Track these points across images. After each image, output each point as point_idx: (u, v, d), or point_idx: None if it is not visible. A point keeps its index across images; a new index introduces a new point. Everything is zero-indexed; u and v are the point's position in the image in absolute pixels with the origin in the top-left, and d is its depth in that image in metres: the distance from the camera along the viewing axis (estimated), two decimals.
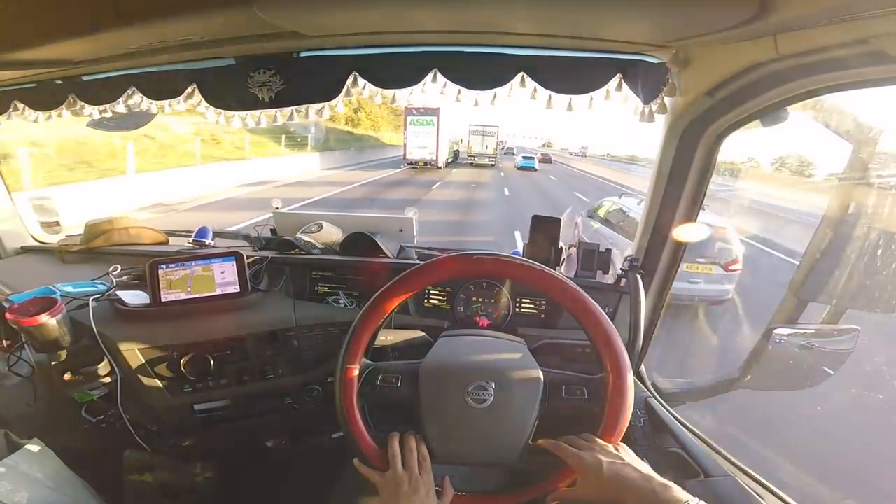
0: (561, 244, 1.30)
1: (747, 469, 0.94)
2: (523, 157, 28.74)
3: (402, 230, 1.54)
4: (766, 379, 1.10)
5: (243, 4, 0.72)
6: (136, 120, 1.35)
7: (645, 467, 0.68)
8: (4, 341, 1.18)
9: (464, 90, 1.09)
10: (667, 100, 0.98)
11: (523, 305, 1.29)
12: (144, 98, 1.13)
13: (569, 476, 0.74)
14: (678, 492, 0.62)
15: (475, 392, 0.75)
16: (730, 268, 4.34)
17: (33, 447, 1.14)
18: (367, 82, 1.07)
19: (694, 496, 0.70)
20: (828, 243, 0.86)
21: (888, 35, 0.56)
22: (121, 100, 1.15)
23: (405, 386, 0.79)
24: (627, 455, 0.71)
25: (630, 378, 0.74)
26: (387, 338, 1.02)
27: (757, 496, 0.81)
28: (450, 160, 26.34)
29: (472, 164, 27.11)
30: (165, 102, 1.13)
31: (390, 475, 0.73)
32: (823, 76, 0.71)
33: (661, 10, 0.69)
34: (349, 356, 0.79)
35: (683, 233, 1.08)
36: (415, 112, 21.87)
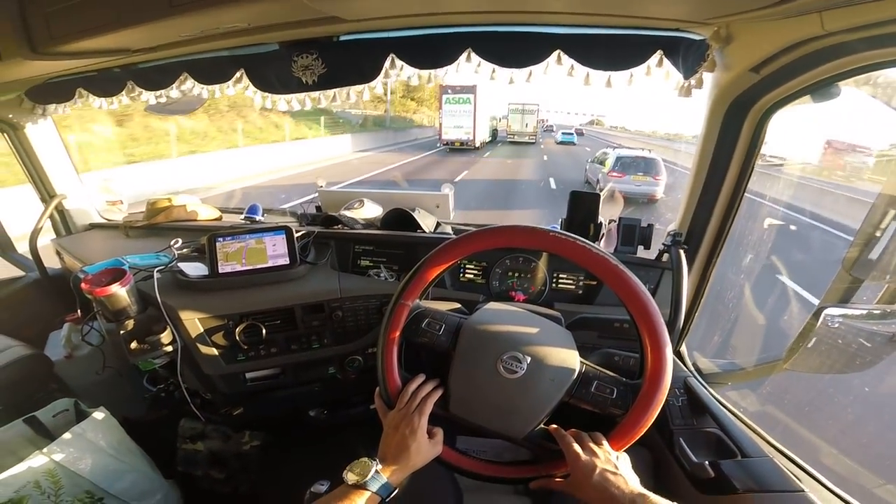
0: (600, 219, 1.29)
1: (784, 450, 0.92)
2: (563, 133, 31.36)
3: (438, 206, 1.58)
4: (814, 361, 1.06)
5: None
6: (189, 104, 1.43)
7: (632, 479, 0.69)
8: (79, 312, 1.30)
9: (498, 69, 1.09)
10: (711, 76, 0.95)
11: (560, 281, 1.29)
12: (196, 83, 1.20)
13: (563, 467, 0.75)
14: (653, 499, 0.63)
15: (509, 361, 0.76)
16: (656, 178, 9.13)
17: (99, 415, 1.24)
18: (403, 63, 1.09)
19: (732, 476, 0.71)
20: (886, 219, 0.81)
21: None
22: (174, 85, 1.22)
23: (445, 335, 0.81)
24: (622, 466, 0.71)
25: (666, 386, 0.72)
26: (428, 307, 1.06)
27: (793, 476, 0.80)
28: (488, 140, 25.54)
29: (512, 142, 27.13)
30: (216, 87, 1.20)
31: (393, 412, 0.77)
32: (873, 52, 0.67)
33: None
34: (406, 292, 0.81)
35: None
36: (450, 91, 21.04)
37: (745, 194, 1.06)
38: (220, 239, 1.24)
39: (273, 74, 1.14)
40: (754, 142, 0.97)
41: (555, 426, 0.78)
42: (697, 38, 0.93)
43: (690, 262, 1.16)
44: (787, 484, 0.79)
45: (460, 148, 21.39)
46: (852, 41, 0.68)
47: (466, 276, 1.34)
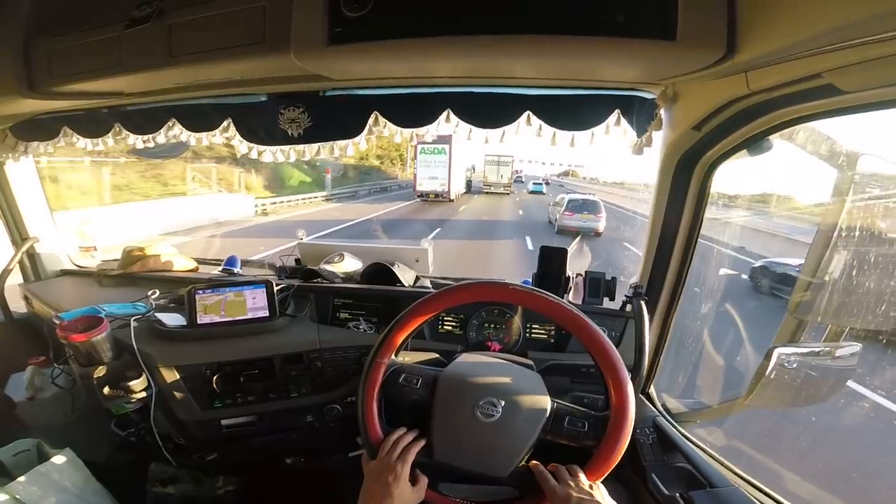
0: (568, 273, 1.36)
1: (752, 479, 0.96)
2: (533, 184, 35.93)
3: (418, 260, 1.63)
4: (770, 398, 1.11)
5: (282, 52, 0.82)
6: (174, 149, 1.46)
7: None
8: (45, 356, 1.26)
9: (474, 128, 1.17)
10: (661, 134, 1.05)
11: (534, 331, 1.35)
12: (183, 129, 1.23)
13: (543, 502, 0.78)
14: None
15: (485, 406, 0.80)
16: (598, 216, 12.26)
17: (63, 457, 1.20)
18: (387, 121, 1.16)
19: None
20: (821, 264, 0.90)
21: (836, 69, 0.62)
22: (162, 130, 1.25)
23: (423, 388, 0.85)
24: (599, 494, 0.75)
25: (631, 416, 0.78)
26: (404, 359, 1.09)
27: (755, 500, 0.84)
28: (462, 192, 25.56)
29: (487, 192, 28.05)
30: (203, 134, 1.23)
31: (375, 461, 0.80)
32: (789, 109, 0.77)
33: (646, 53, 0.77)
34: (381, 350, 0.85)
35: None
36: (425, 141, 19.54)
37: (700, 242, 1.15)
38: (200, 292, 1.26)
39: (260, 125, 1.20)
40: (701, 195, 1.07)
41: (534, 462, 0.81)
42: (649, 97, 1.04)
43: (652, 311, 1.23)
44: None
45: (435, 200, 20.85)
46: (775, 98, 0.78)
47: (445, 327, 1.38)
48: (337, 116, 1.17)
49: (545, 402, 0.83)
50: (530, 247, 10.81)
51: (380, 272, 1.50)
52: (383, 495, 0.75)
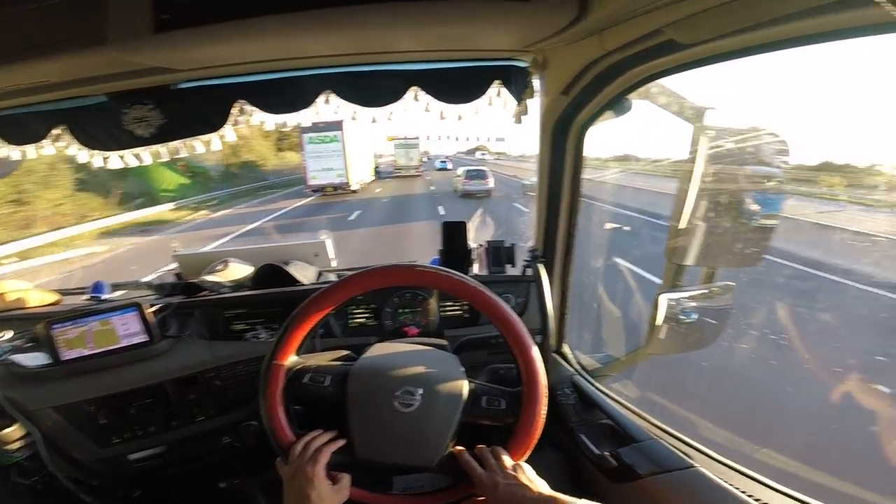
0: (471, 245, 1.35)
1: (668, 429, 1.01)
2: (439, 162, 40.22)
3: (317, 255, 1.55)
4: (667, 344, 1.18)
5: (97, 45, 0.73)
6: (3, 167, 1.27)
7: (538, 484, 0.73)
8: None
9: (359, 108, 1.13)
10: (537, 101, 1.07)
11: (447, 309, 1.34)
12: (5, 144, 1.08)
13: (477, 486, 0.77)
14: (564, 500, 0.67)
15: (403, 396, 0.77)
16: (487, 180, 16.49)
17: None
18: (255, 109, 1.08)
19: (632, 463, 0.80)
20: (684, 212, 0.95)
21: (674, 23, 0.64)
22: None
23: (333, 386, 0.81)
24: (524, 475, 0.74)
25: (542, 388, 0.78)
26: (309, 363, 1.02)
27: (681, 454, 0.88)
28: (369, 180, 23.92)
29: (398, 176, 28.15)
30: (30, 147, 1.08)
31: (287, 466, 0.76)
32: (640, 67, 0.81)
33: (509, 17, 0.76)
34: (278, 353, 0.80)
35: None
36: (311, 129, 18.08)
37: (592, 203, 1.19)
38: (57, 326, 1.11)
39: (101, 129, 1.06)
40: (578, 157, 1.10)
41: (458, 448, 0.79)
42: (523, 65, 1.04)
43: (551, 272, 1.26)
44: (678, 462, 0.86)
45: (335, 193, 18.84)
46: (627, 57, 0.80)
47: (356, 320, 1.33)
48: (194, 110, 1.07)
49: (462, 383, 0.81)
50: (442, 212, 12.75)
51: (273, 274, 1.40)
52: (300, 498, 0.71)
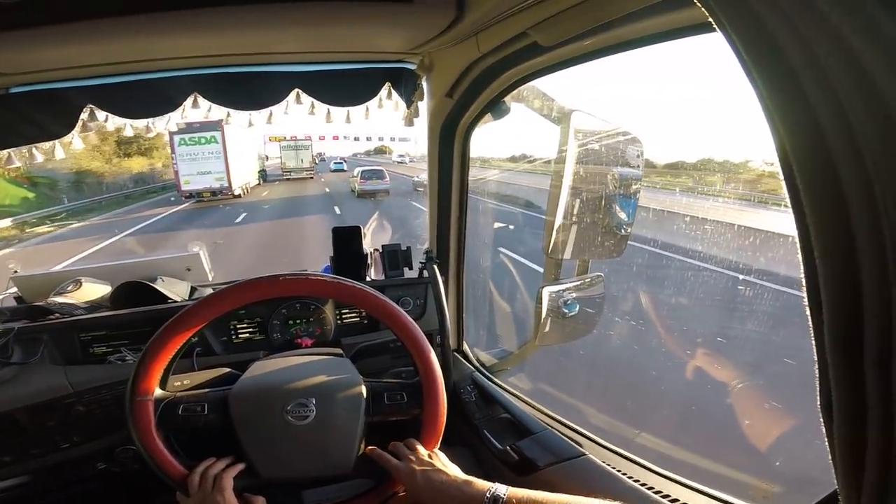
0: (366, 250, 1.34)
1: (560, 419, 1.07)
2: (334, 163, 39.70)
3: (189, 269, 1.42)
4: (553, 335, 1.26)
5: None
6: None
7: (453, 469, 0.75)
8: None
9: (233, 112, 1.08)
10: (424, 104, 1.10)
11: (345, 316, 1.30)
12: None
13: (398, 483, 0.77)
14: (479, 483, 0.70)
15: (295, 409, 0.75)
16: (384, 180, 17.00)
17: None
18: (108, 114, 0.99)
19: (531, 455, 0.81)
20: (556, 209, 1.04)
21: (536, 25, 0.70)
22: None
23: (212, 413, 0.76)
24: (439, 461, 0.76)
25: (439, 376, 0.79)
26: (183, 382, 0.93)
27: (572, 442, 0.93)
28: (255, 184, 22.56)
29: (288, 178, 26.98)
30: None
31: (191, 500, 0.72)
32: (512, 71, 0.87)
33: (392, 19, 0.78)
34: (140, 387, 0.73)
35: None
36: (184, 131, 16.29)
37: (478, 200, 1.24)
38: None
39: None
40: (464, 158, 1.15)
41: (371, 448, 0.79)
42: (412, 67, 1.07)
43: (446, 272, 1.29)
44: (570, 451, 0.91)
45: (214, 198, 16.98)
46: (500, 60, 0.86)
47: (240, 336, 1.23)
48: (33, 116, 0.96)
49: (357, 383, 0.81)
50: (339, 212, 12.67)
51: (136, 292, 1.24)
52: None
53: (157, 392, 0.75)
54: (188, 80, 1.00)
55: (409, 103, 1.14)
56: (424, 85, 1.09)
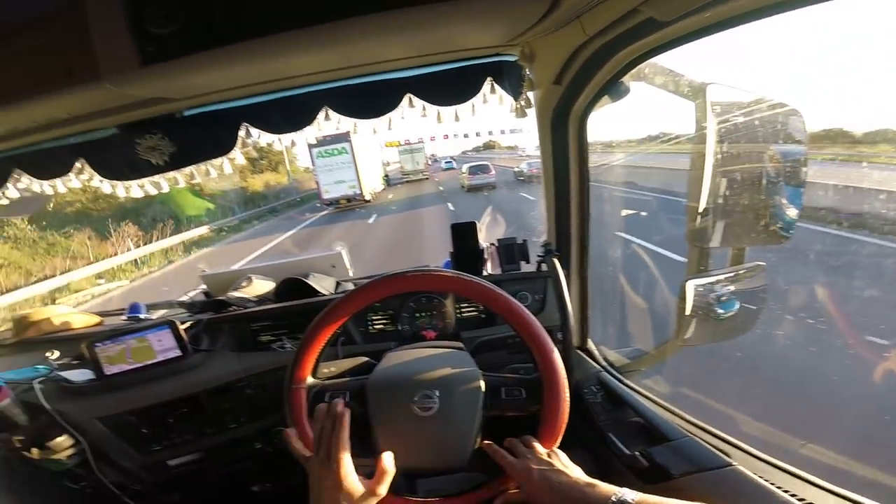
0: (482, 244, 1.34)
1: (703, 425, 0.95)
2: (445, 163, 44.32)
3: (334, 266, 1.59)
4: (699, 334, 1.11)
5: (92, 81, 0.75)
6: (32, 204, 1.37)
7: (575, 471, 0.70)
8: None
9: (359, 121, 1.15)
10: (531, 94, 1.04)
11: (464, 310, 1.33)
12: (33, 179, 1.15)
13: (511, 480, 0.76)
14: (603, 487, 0.64)
15: (421, 401, 0.77)
16: (490, 173, 18.13)
17: None
18: (260, 131, 1.12)
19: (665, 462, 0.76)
20: (699, 193, 0.90)
21: (648, 1, 0.61)
22: (9, 183, 1.16)
23: (353, 401, 0.81)
24: (559, 461, 0.72)
25: (561, 372, 0.76)
26: (330, 369, 1.04)
27: (718, 452, 0.83)
28: (381, 189, 24.06)
29: (407, 181, 28.27)
30: (57, 181, 1.15)
31: (312, 461, 0.71)
32: (626, 51, 0.77)
33: (487, 14, 0.75)
34: (295, 375, 0.82)
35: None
36: (319, 143, 17.87)
37: (601, 187, 1.14)
38: (99, 344, 1.20)
39: (119, 160, 1.12)
40: (581, 146, 1.06)
41: (487, 442, 0.79)
42: (513, 59, 1.03)
43: (568, 265, 1.22)
44: (715, 461, 0.81)
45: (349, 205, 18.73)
46: (610, 41, 0.77)
47: (375, 327, 1.34)
48: (202, 136, 1.12)
49: (476, 377, 0.81)
50: (452, 208, 13.75)
51: (295, 287, 1.44)
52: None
53: (310, 380, 0.82)
54: (319, 95, 1.09)
55: (516, 95, 1.10)
56: (529, 74, 1.04)
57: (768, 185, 0.89)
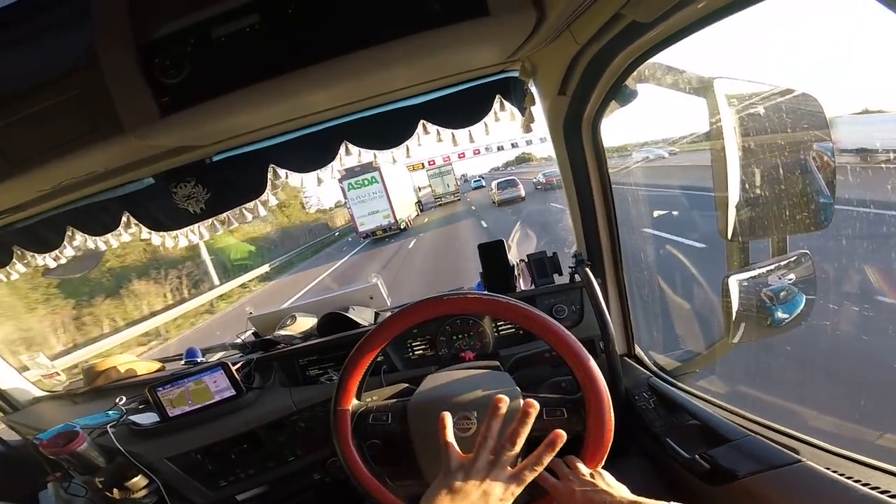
0: (512, 261, 1.34)
1: (766, 422, 0.92)
2: (474, 182, 44.32)
3: (372, 297, 1.62)
4: (752, 331, 1.05)
5: (117, 134, 0.78)
6: (87, 262, 1.47)
7: (620, 490, 0.69)
8: (54, 473, 1.32)
9: (377, 152, 1.18)
10: (540, 107, 1.06)
11: (501, 329, 1.32)
12: (87, 236, 1.20)
13: (555, 500, 0.75)
14: (648, 502, 0.63)
15: (459, 422, 0.79)
16: (517, 188, 18.64)
17: None
18: (287, 171, 1.16)
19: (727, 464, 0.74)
20: (725, 186, 0.87)
21: (628, 4, 0.61)
22: (65, 241, 1.21)
23: (395, 422, 0.83)
24: (603, 481, 0.71)
25: (603, 389, 0.75)
26: (373, 398, 1.06)
27: (784, 448, 0.80)
28: (415, 215, 23.77)
29: (440, 204, 27.94)
30: (109, 236, 1.21)
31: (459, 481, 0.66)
32: (623, 53, 0.77)
33: (481, 34, 0.76)
34: (341, 399, 0.84)
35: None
36: (348, 175, 17.51)
37: (627, 189, 1.13)
38: (160, 388, 1.28)
39: (159, 210, 1.19)
40: (598, 153, 1.06)
41: None
42: (516, 75, 1.04)
43: (602, 273, 1.20)
44: (781, 458, 0.78)
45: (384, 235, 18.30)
46: (603, 47, 0.77)
47: (416, 353, 1.35)
48: (233, 179, 1.17)
49: (517, 399, 0.81)
50: (485, 225, 14.27)
51: (336, 321, 1.48)
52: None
53: (354, 403, 0.84)
54: (337, 130, 1.13)
55: (522, 111, 1.11)
56: (533, 88, 1.05)
57: (797, 172, 0.85)
